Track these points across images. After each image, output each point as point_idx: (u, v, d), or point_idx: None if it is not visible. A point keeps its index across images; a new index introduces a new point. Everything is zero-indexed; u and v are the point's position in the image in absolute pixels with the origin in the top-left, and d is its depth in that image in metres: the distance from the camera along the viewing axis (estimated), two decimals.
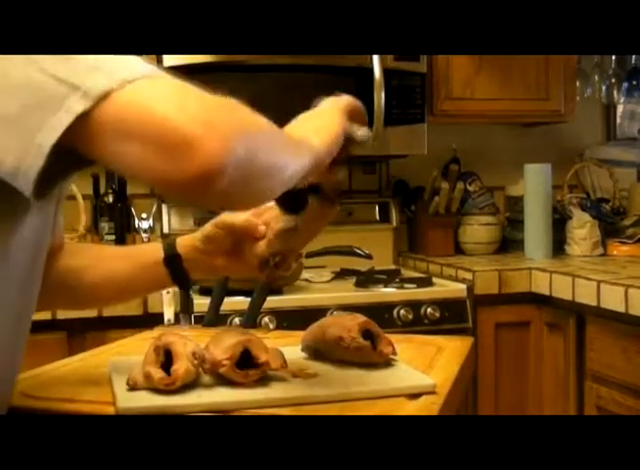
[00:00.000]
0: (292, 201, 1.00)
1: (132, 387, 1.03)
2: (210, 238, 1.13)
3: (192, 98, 0.73)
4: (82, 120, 0.70)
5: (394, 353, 1.16)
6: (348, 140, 1.02)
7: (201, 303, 1.88)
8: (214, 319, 1.53)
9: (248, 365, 1.05)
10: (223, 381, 1.06)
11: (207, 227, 1.13)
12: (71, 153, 0.73)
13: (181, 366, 1.01)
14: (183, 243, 1.15)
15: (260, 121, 0.79)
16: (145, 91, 0.71)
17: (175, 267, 1.14)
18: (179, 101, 0.71)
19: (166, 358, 1.04)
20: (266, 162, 0.77)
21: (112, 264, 1.15)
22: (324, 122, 0.98)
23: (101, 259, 1.15)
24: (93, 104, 0.70)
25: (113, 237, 2.44)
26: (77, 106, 0.70)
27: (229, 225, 1.11)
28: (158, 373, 1.01)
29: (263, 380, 1.07)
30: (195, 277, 1.17)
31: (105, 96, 0.70)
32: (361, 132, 1.04)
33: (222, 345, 1.06)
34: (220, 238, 1.12)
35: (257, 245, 1.11)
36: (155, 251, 1.15)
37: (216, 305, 1.54)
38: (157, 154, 0.69)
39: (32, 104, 0.71)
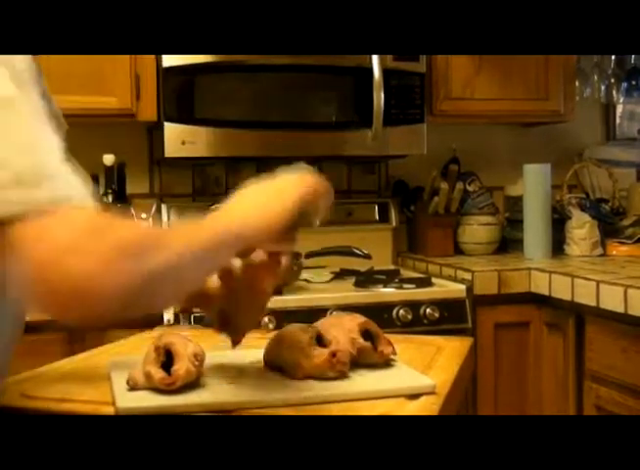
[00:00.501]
0: None
1: (132, 387, 1.03)
2: None
3: (85, 242, 0.71)
4: None
5: (395, 354, 1.16)
6: (296, 224, 0.97)
7: None
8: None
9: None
10: (223, 381, 1.06)
11: None
12: None
13: (182, 366, 1.01)
14: None
15: (159, 255, 0.77)
16: (47, 226, 0.71)
17: None
18: (71, 244, 0.70)
19: (167, 358, 1.04)
20: (160, 295, 0.79)
21: None
22: (269, 206, 0.92)
23: None
24: None
25: None
26: None
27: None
28: (158, 373, 1.01)
29: (263, 380, 1.07)
30: None
31: (7, 220, 0.70)
32: (315, 220, 1.00)
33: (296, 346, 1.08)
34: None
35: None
36: None
37: None
38: (40, 294, 0.71)
39: None
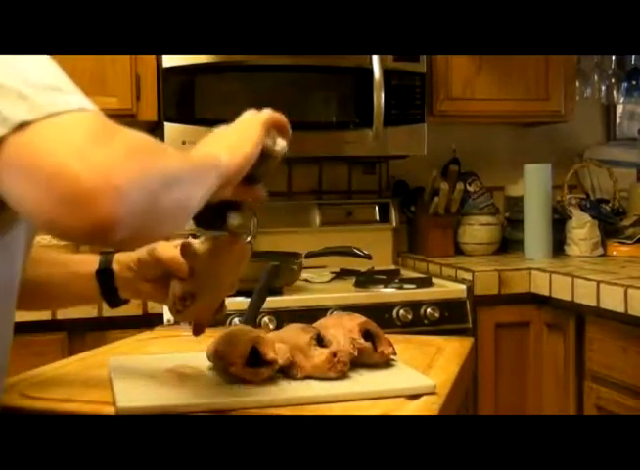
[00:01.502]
0: (209, 217, 0.95)
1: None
2: (142, 263, 1.11)
3: (98, 143, 0.68)
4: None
5: (395, 354, 1.16)
6: (267, 154, 1.00)
7: None
8: (214, 319, 1.53)
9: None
10: (226, 380, 1.06)
11: (142, 251, 1.11)
12: None
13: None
14: (119, 259, 1.13)
15: (167, 159, 0.76)
16: (52, 131, 0.68)
17: (106, 283, 1.12)
18: (82, 145, 0.67)
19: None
20: (170, 202, 0.74)
21: (48, 269, 1.13)
22: (238, 138, 0.97)
23: (40, 263, 1.11)
24: (8, 132, 0.68)
25: None
26: None
27: (158, 257, 1.09)
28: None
29: (264, 380, 1.07)
30: (124, 296, 1.15)
31: (21, 126, 0.68)
32: (279, 146, 1.02)
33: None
34: (150, 265, 1.10)
35: (174, 283, 1.07)
36: (91, 263, 1.13)
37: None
38: (50, 202, 0.66)
39: None
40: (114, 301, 1.15)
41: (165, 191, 0.73)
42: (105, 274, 1.12)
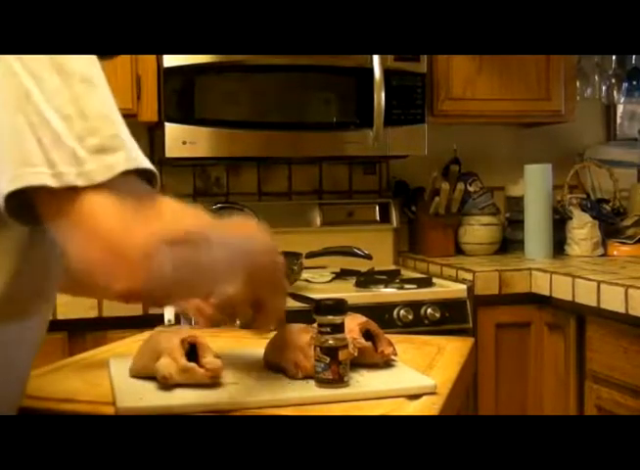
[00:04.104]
0: None
1: (165, 382, 1.03)
2: None
3: (140, 218, 0.75)
4: (44, 192, 0.73)
5: (395, 354, 1.16)
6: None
7: None
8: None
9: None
10: (223, 381, 1.06)
11: None
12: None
13: (215, 359, 1.03)
14: None
15: (199, 236, 0.82)
16: (102, 201, 0.74)
17: None
18: (127, 220, 0.74)
19: (191, 352, 1.04)
20: (195, 275, 0.81)
21: None
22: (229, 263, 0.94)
23: None
24: (57, 187, 0.73)
25: None
26: (42, 179, 0.73)
27: None
28: (198, 368, 1.02)
29: (263, 380, 1.07)
30: None
31: (70, 188, 0.73)
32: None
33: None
34: None
35: None
36: None
37: None
38: (92, 263, 0.74)
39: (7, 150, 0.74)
40: None
41: (192, 265, 0.80)
42: None
